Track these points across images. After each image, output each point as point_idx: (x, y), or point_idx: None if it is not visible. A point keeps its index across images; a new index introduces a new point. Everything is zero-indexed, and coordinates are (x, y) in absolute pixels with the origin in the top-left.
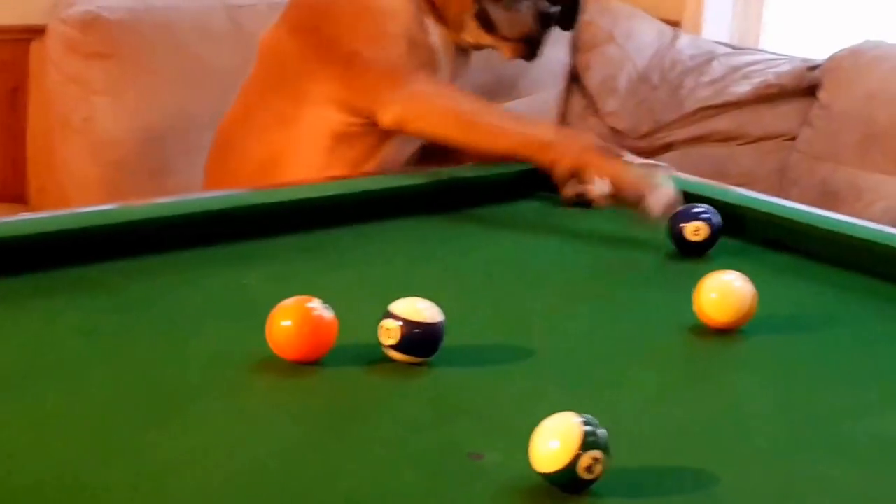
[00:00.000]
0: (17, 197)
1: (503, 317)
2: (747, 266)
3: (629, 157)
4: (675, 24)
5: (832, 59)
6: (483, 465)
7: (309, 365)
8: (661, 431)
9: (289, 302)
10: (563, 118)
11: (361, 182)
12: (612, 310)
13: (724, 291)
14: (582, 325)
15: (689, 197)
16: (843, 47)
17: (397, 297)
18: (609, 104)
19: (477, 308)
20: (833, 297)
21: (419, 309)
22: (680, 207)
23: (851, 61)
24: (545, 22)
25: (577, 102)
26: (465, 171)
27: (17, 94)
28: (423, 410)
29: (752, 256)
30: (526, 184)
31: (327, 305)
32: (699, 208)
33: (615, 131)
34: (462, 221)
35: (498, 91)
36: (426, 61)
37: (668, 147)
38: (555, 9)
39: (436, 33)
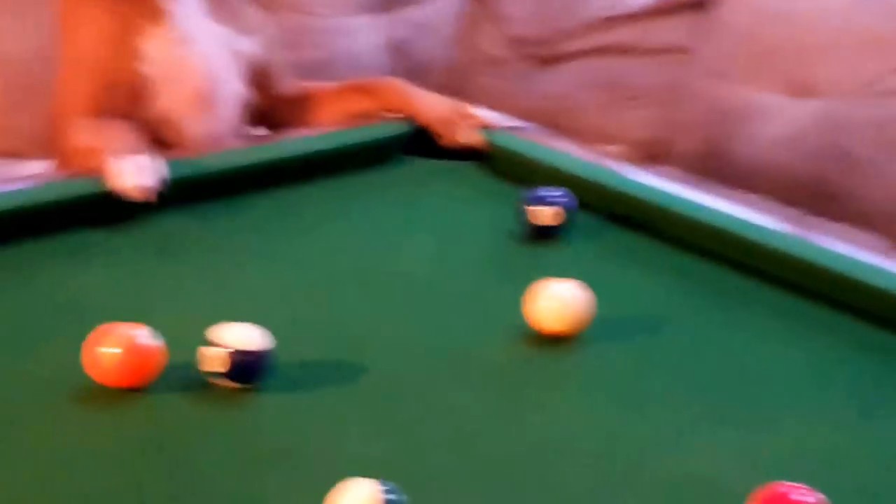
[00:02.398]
0: None
1: (335, 325)
2: (595, 248)
3: None
4: None
5: None
6: None
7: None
8: (469, 475)
9: (112, 330)
10: (466, 23)
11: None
12: (447, 312)
13: (560, 303)
14: (413, 333)
15: (548, 171)
16: None
17: (229, 300)
18: (510, 11)
19: (309, 315)
20: (678, 289)
21: (245, 337)
22: (534, 190)
23: None
24: None
25: (479, 8)
26: (306, 142)
27: None
28: (238, 452)
29: (601, 237)
30: (378, 150)
31: (153, 332)
32: (553, 193)
33: (517, 39)
34: (301, 198)
35: None
36: (123, 97)
37: (566, 57)
38: None
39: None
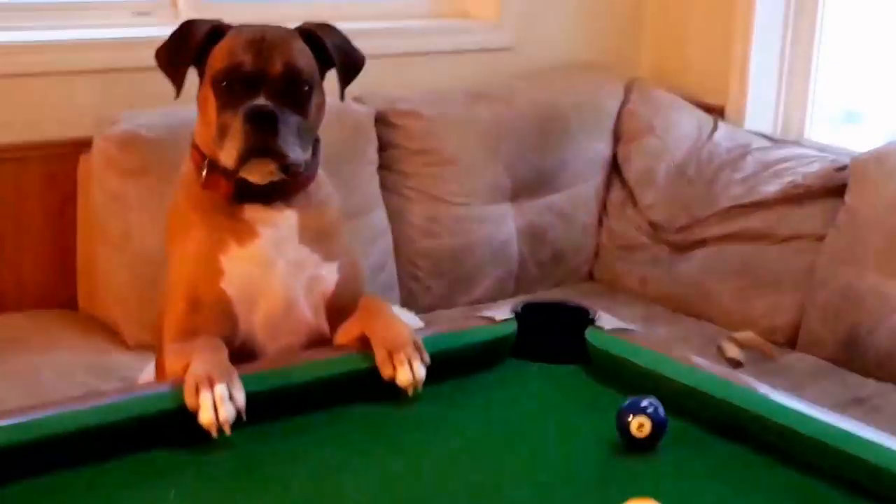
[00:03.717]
0: (68, 302)
1: None
2: (693, 460)
3: None
4: (718, 109)
5: (857, 160)
6: None
7: None
8: None
9: None
10: (604, 209)
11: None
12: None
13: None
14: None
15: (650, 377)
16: (869, 148)
17: None
18: (647, 197)
19: None
20: None
21: None
22: (631, 400)
23: (876, 164)
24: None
25: (617, 194)
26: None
27: (66, 206)
28: None
29: (701, 448)
30: (484, 353)
31: None
32: (650, 402)
33: (653, 224)
34: (395, 409)
35: (538, 185)
36: (208, 316)
37: (700, 243)
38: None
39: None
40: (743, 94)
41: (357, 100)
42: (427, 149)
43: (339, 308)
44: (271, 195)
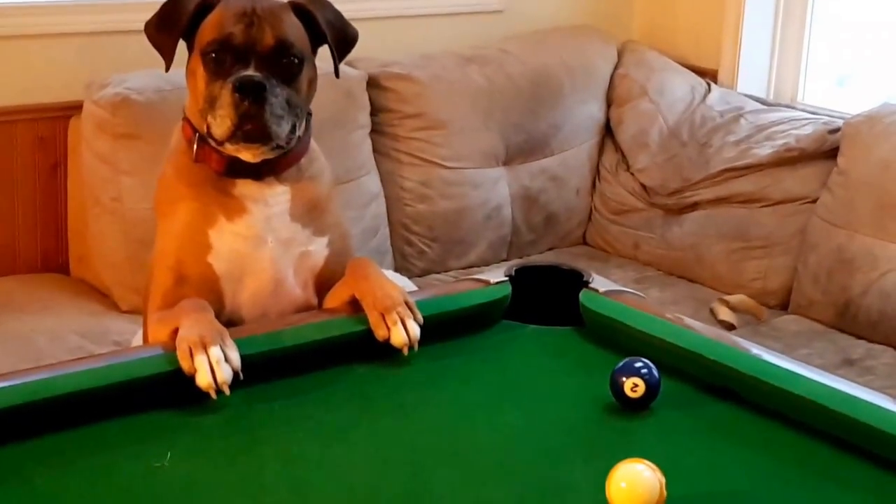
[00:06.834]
0: (60, 267)
1: None
2: (686, 419)
3: None
4: (711, 73)
5: (849, 123)
6: None
7: None
8: None
9: None
10: (597, 173)
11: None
12: (527, 496)
13: (630, 484)
14: None
15: (643, 339)
16: (861, 111)
17: (307, 483)
18: (640, 160)
19: (384, 498)
20: (767, 465)
21: None
22: (624, 361)
23: (868, 127)
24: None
25: (610, 158)
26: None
27: (57, 169)
28: None
29: (693, 408)
30: (478, 316)
31: None
32: (643, 363)
33: (646, 188)
34: (391, 370)
35: (531, 149)
36: (194, 289)
37: (693, 206)
38: (249, 74)
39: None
40: (736, 57)
41: (349, 64)
42: (419, 112)
43: (328, 281)
44: (263, 170)
